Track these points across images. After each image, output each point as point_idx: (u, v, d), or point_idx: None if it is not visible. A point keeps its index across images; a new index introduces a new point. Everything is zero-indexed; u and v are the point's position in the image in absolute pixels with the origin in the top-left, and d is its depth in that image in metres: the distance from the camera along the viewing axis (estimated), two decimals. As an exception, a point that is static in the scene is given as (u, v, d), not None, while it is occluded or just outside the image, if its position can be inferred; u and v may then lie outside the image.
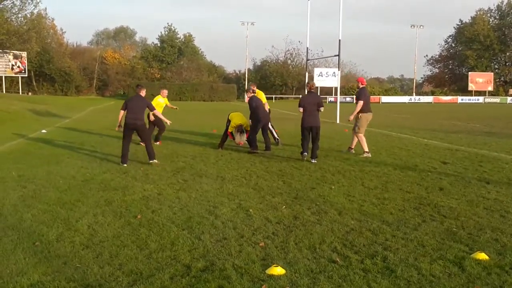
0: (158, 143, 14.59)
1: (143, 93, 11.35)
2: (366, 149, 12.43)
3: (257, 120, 12.97)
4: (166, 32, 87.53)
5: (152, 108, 11.59)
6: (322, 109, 11.61)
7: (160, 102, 15.22)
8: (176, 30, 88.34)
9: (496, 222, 6.41)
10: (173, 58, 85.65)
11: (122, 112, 11.10)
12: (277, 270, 4.60)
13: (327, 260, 4.99)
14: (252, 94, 13.47)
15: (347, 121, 12.96)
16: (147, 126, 12.34)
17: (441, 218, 6.61)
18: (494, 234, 5.87)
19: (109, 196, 7.81)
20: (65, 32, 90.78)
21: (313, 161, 11.33)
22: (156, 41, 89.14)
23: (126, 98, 12.46)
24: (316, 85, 69.05)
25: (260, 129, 13.10)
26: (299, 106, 11.68)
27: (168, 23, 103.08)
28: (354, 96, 14.00)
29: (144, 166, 10.61)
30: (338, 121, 25.70)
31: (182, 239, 5.62)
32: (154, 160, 10.90)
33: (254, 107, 13.01)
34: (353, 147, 13.13)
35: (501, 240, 5.64)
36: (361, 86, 13.09)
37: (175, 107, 17.38)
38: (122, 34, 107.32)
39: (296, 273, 4.62)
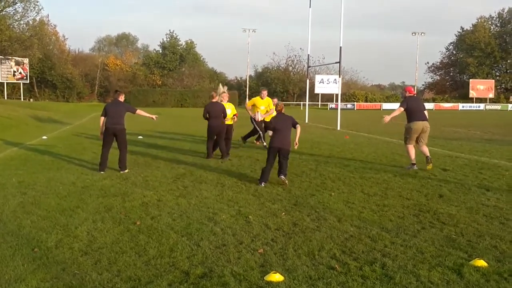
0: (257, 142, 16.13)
1: (121, 98, 11.39)
2: (413, 161, 11.43)
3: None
4: (168, 39, 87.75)
5: (133, 110, 11.39)
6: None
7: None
8: (177, 37, 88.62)
9: (495, 229, 6.40)
10: (175, 64, 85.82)
11: (102, 118, 10.99)
12: (276, 277, 4.60)
13: (326, 266, 4.99)
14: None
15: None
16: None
17: (440, 225, 6.61)
18: (493, 241, 5.86)
19: (108, 202, 7.81)
20: (67, 38, 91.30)
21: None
22: (158, 48, 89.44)
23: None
24: (317, 92, 69.70)
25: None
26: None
27: (170, 30, 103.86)
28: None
29: (144, 173, 10.61)
30: (338, 128, 25.70)
31: (181, 245, 5.62)
32: (126, 170, 10.72)
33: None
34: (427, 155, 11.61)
35: (500, 247, 5.64)
36: (406, 95, 11.84)
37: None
38: (124, 41, 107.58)
39: (295, 280, 4.62)
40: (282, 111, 9.98)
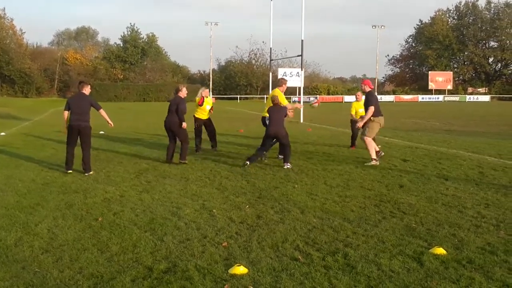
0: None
1: (86, 90, 10.24)
2: (374, 156, 11.18)
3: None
4: (129, 33, 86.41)
5: (97, 107, 10.14)
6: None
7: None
8: (139, 31, 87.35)
9: (454, 218, 6.58)
10: (136, 58, 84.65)
11: (65, 113, 10.02)
12: (240, 270, 4.62)
13: (289, 258, 5.04)
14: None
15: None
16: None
17: (400, 214, 6.76)
18: (452, 229, 6.03)
19: (69, 199, 7.68)
20: (24, 32, 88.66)
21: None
22: (119, 42, 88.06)
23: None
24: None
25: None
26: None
27: (130, 23, 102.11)
28: (363, 103, 12.42)
29: (106, 168, 10.47)
30: (301, 121, 25.89)
31: (144, 241, 5.58)
32: (90, 172, 9.84)
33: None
34: (378, 150, 11.72)
35: (459, 235, 5.80)
36: (368, 90, 11.69)
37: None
38: (83, 35, 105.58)
39: (259, 272, 4.65)
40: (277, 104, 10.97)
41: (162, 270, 4.73)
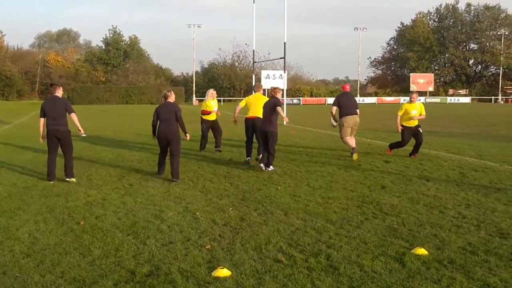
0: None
1: (59, 92, 9.59)
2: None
3: None
4: (111, 35, 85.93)
5: (70, 111, 9.49)
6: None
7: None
8: (121, 33, 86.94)
9: (435, 218, 6.65)
10: (119, 61, 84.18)
11: (42, 120, 9.40)
12: (223, 272, 4.62)
13: (272, 260, 5.06)
14: None
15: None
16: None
17: (383, 215, 6.81)
18: (433, 230, 6.10)
19: (51, 202, 7.61)
20: (5, 34, 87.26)
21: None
22: (101, 44, 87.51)
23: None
24: (263, 87, 69.82)
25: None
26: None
27: (113, 26, 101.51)
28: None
29: (88, 171, 10.38)
30: (285, 123, 25.89)
31: (126, 244, 5.55)
32: (73, 179, 9.39)
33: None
34: (354, 146, 12.35)
35: (440, 236, 5.87)
36: (342, 91, 13.08)
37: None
38: (65, 37, 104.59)
39: (242, 274, 4.65)
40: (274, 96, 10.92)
41: (145, 273, 4.70)
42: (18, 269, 4.81)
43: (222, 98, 77.69)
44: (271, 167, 10.51)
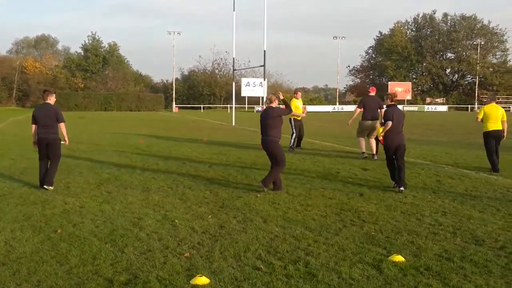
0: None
1: (51, 99, 9.49)
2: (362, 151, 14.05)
3: None
4: (90, 41, 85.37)
5: (60, 120, 9.44)
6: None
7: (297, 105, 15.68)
8: (100, 39, 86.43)
9: (412, 225, 6.73)
10: (98, 67, 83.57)
11: (33, 126, 9.36)
12: (202, 280, 4.62)
13: (251, 267, 5.07)
14: None
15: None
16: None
17: (360, 222, 6.87)
18: (410, 237, 6.17)
19: (28, 210, 7.51)
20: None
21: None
22: (80, 50, 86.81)
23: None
24: (244, 95, 70.20)
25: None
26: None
27: (92, 32, 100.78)
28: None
29: (66, 179, 10.27)
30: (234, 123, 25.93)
31: (104, 252, 5.51)
32: (50, 187, 9.18)
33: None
34: (363, 151, 14.16)
35: (417, 243, 5.94)
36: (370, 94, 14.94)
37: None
38: (43, 43, 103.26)
39: (221, 282, 4.66)
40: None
41: (123, 282, 4.68)
42: (-7, 278, 4.74)
43: (202, 106, 77.76)
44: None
